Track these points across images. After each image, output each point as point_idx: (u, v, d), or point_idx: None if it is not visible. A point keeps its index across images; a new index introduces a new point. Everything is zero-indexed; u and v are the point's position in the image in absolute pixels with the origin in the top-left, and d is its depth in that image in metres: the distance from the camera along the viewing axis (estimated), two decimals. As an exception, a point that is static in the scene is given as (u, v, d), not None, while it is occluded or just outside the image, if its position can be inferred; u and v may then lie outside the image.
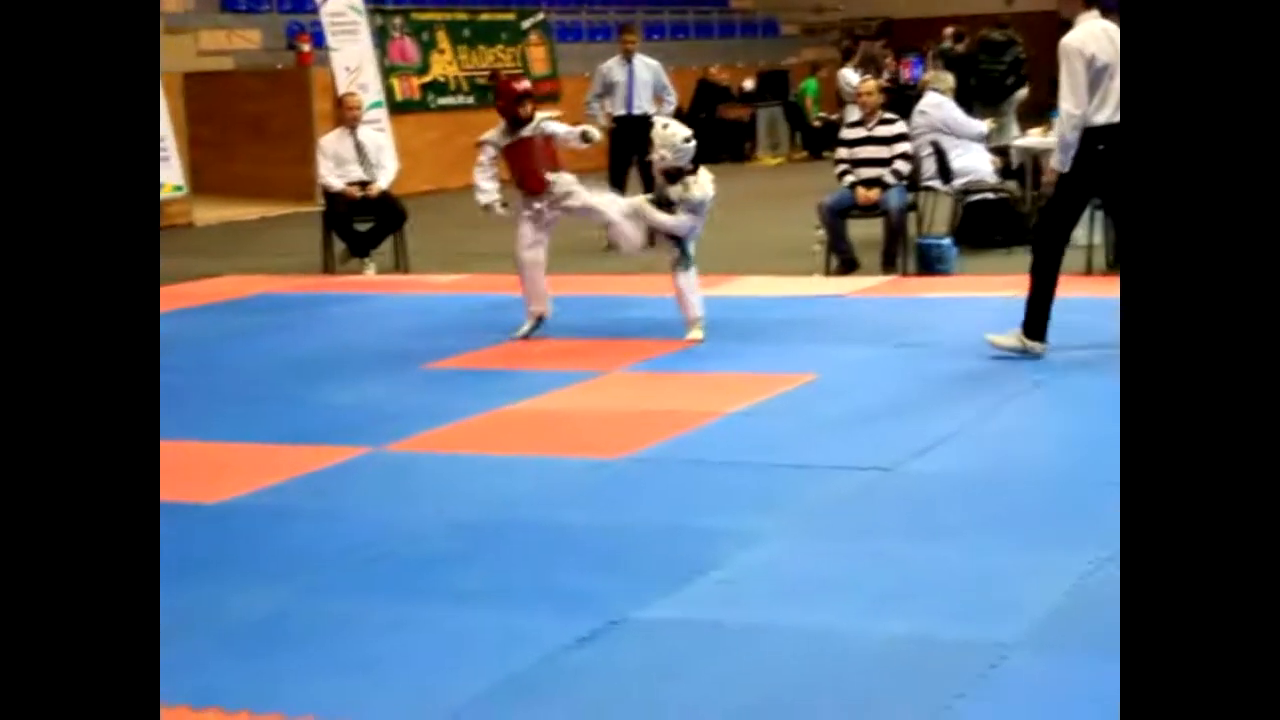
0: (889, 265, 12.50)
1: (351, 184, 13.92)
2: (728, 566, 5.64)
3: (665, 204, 10.34)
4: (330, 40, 20.47)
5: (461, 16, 23.61)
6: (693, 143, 10.46)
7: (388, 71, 21.77)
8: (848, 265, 12.57)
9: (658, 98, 15.66)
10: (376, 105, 20.41)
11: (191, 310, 12.14)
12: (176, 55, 20.21)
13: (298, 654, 4.99)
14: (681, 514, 6.34)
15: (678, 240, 10.29)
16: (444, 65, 23.06)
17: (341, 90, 18.19)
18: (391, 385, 9.12)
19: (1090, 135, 8.79)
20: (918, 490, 6.52)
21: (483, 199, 10.56)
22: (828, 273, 12.56)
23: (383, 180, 14.05)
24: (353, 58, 20.69)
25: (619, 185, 15.23)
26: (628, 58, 15.58)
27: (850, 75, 20.10)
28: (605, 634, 5.04)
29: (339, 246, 14.05)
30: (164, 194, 18.16)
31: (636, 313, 11.15)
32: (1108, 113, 8.78)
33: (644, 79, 15.55)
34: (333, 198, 13.96)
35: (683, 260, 10.27)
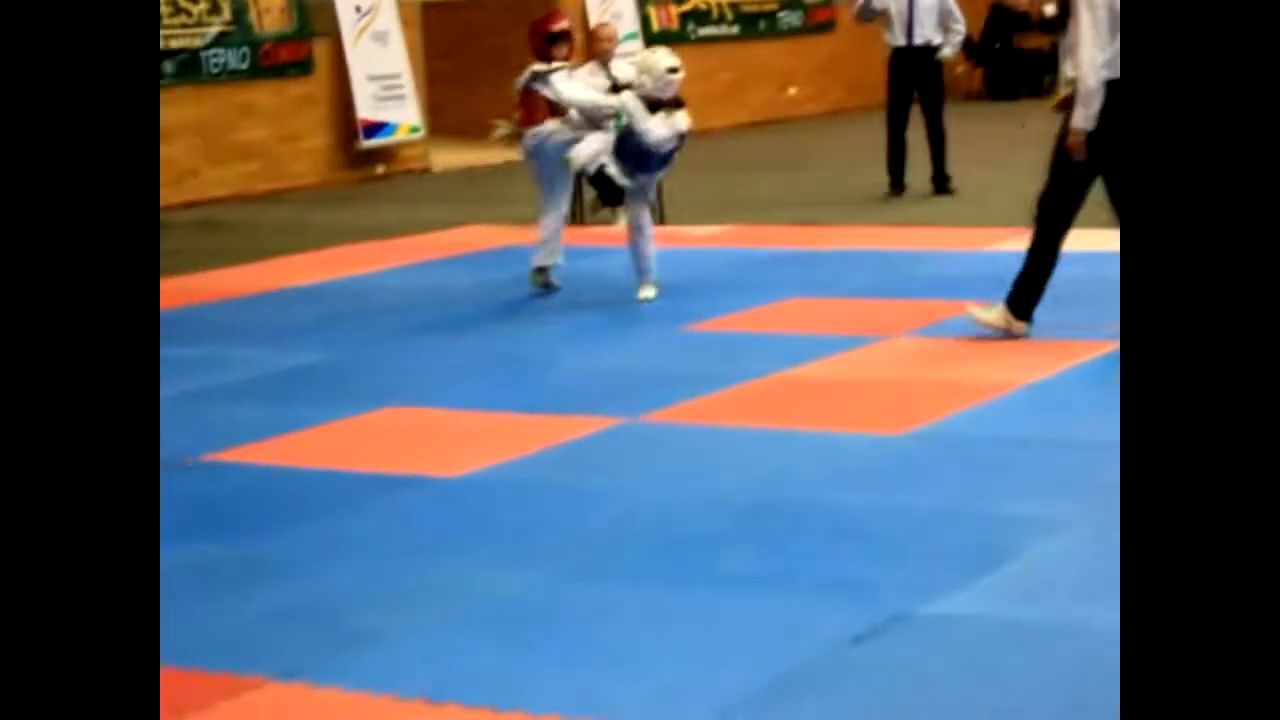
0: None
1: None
2: (1026, 557, 5.60)
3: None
4: (581, -35, 20.67)
5: (726, -64, 23.62)
6: (679, 74, 10.52)
7: (644, -1, 21.89)
8: None
9: (944, 25, 15.47)
10: (631, 36, 20.55)
11: (431, 264, 12.39)
12: (415, -17, 20.56)
13: (545, 644, 5.08)
14: (973, 498, 6.30)
15: (643, 175, 10.42)
16: (706, -9, 23.09)
17: (594, 19, 18.35)
18: (648, 349, 9.21)
19: (1110, 90, 8.36)
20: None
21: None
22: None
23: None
24: (606, -16, 20.86)
25: (900, 123, 15.10)
26: (912, -20, 15.40)
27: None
28: (888, 630, 5.04)
29: (590, 194, 14.18)
30: (400, 136, 18.53)
31: (925, 269, 11.08)
32: (1117, 65, 8.33)
33: (927, 4, 15.36)
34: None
35: (643, 202, 10.42)
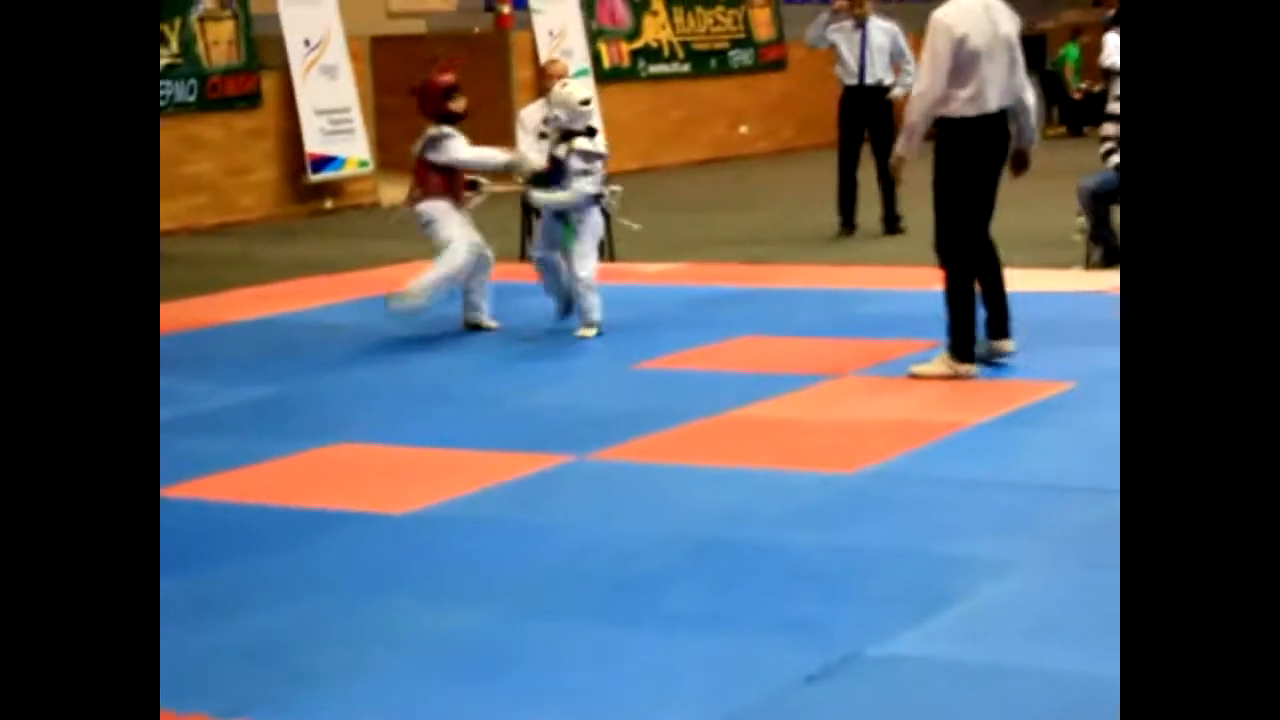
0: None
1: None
2: (974, 598, 5.62)
3: (557, 164, 10.63)
4: (532, 1, 20.72)
5: (677, -26, 23.72)
6: (591, 105, 10.77)
7: (595, 36, 21.96)
8: (1112, 257, 12.41)
9: (895, 65, 15.57)
10: (582, 73, 20.61)
11: (378, 299, 12.35)
12: (363, 17, 20.58)
13: (495, 682, 5.07)
14: (924, 538, 6.32)
15: (573, 221, 10.58)
16: (657, 29, 23.19)
17: (544, 56, 18.40)
18: (597, 386, 9.21)
19: (967, 127, 8.72)
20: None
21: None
22: (1089, 266, 12.40)
23: (588, 157, 14.14)
24: (557, 21, 20.93)
25: (850, 162, 15.17)
26: (861, 22, 15.51)
27: (1117, 41, 19.82)
28: (838, 670, 5.04)
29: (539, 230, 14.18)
30: (348, 170, 18.53)
31: (875, 308, 11.12)
32: (984, 101, 8.71)
33: (879, 43, 15.46)
34: (533, 177, 14.08)
35: (588, 246, 10.59)
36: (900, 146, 8.95)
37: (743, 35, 24.32)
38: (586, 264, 10.53)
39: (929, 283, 11.90)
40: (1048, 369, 9.04)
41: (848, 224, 15.21)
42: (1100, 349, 9.34)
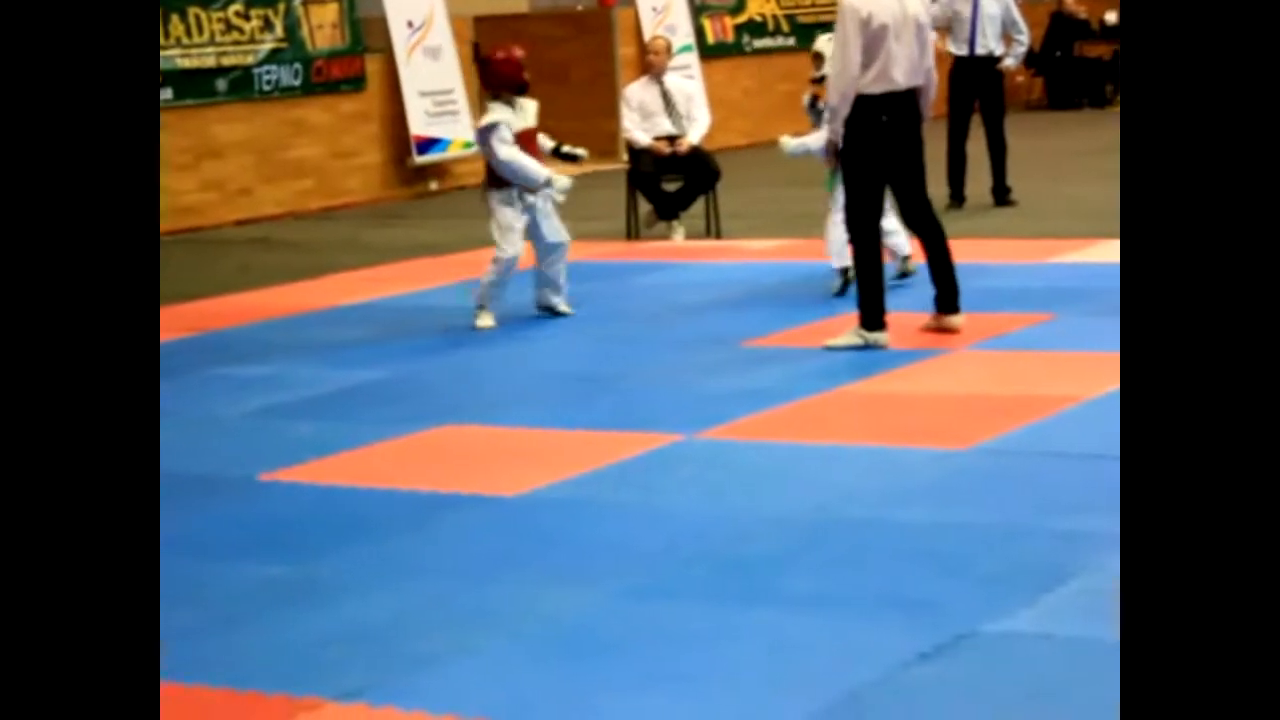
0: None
1: (659, 138, 14.06)
2: (1094, 574, 5.58)
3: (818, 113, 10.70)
4: (635, -23, 20.70)
5: (781, -53, 23.62)
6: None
7: (699, 10, 21.92)
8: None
9: (1007, 35, 15.45)
10: (686, 49, 20.59)
11: (485, 280, 12.41)
12: (466, -3, 20.65)
13: (607, 664, 5.09)
14: (1039, 513, 6.28)
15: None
16: (761, 3, 23.10)
17: (648, 33, 18.39)
18: (706, 365, 9.20)
19: (871, 104, 8.94)
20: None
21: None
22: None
23: (693, 134, 14.16)
24: (660, -4, 20.89)
25: (960, 134, 15.08)
26: (973, -11, 15.37)
27: None
28: (953, 649, 5.02)
29: (645, 208, 14.21)
30: (452, 152, 18.59)
31: (986, 282, 11.04)
32: (890, 79, 8.95)
33: (991, 13, 15.33)
34: (638, 154, 14.12)
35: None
36: (828, 132, 9.24)
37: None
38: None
39: (1041, 255, 11.85)
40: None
41: (957, 196, 15.11)
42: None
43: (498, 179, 10.66)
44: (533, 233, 10.73)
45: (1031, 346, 9.17)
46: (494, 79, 10.82)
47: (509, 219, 10.65)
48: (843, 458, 7.21)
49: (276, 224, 16.58)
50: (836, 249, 10.54)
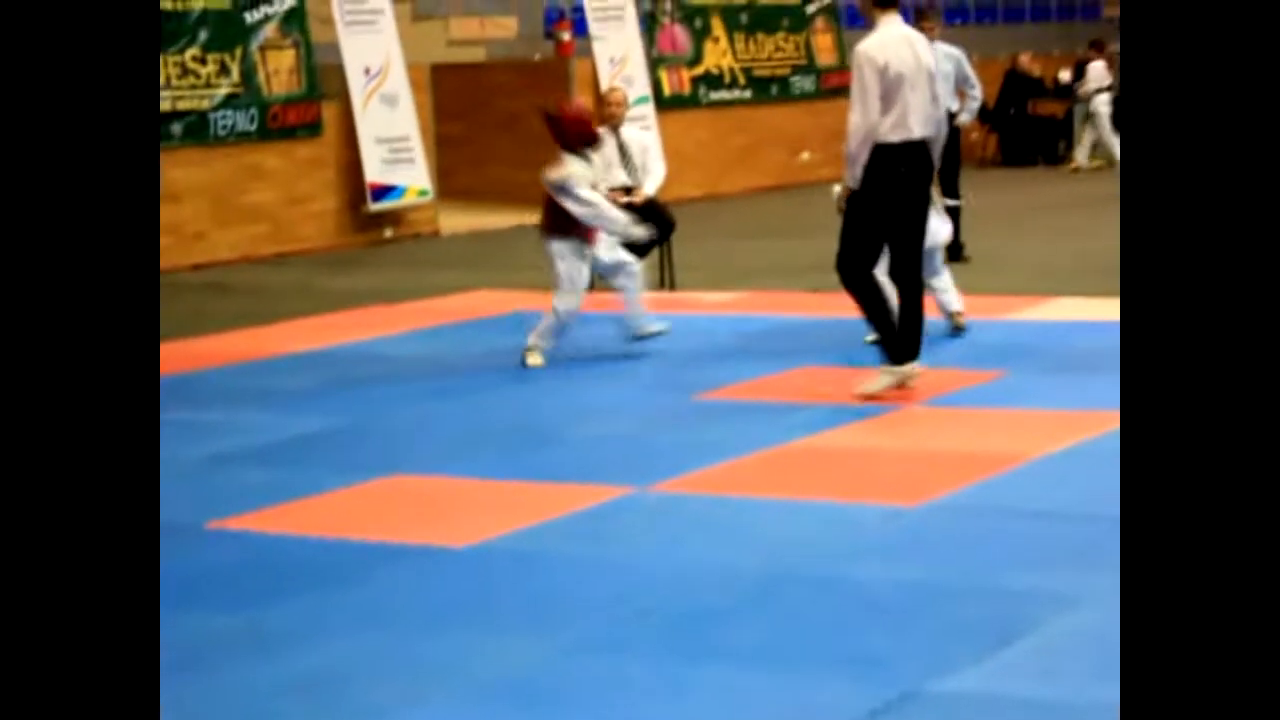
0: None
1: (614, 190, 14.06)
2: (1042, 634, 5.59)
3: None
4: (593, 28, 20.79)
5: (739, 1, 23.75)
6: None
7: (655, 63, 22.01)
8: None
9: (960, 91, 15.55)
10: (642, 101, 20.66)
11: (439, 329, 12.42)
12: (424, 45, 20.71)
13: (556, 717, 5.08)
14: (989, 572, 6.29)
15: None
16: (718, 56, 23.22)
17: (604, 84, 18.45)
18: (659, 417, 9.21)
19: (888, 153, 9.03)
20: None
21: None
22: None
23: (649, 185, 14.17)
24: (617, 48, 20.98)
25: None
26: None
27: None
28: (900, 707, 5.03)
29: (601, 260, 14.21)
30: (408, 199, 18.60)
31: (939, 337, 11.09)
32: (907, 128, 9.06)
33: (944, 70, 15.40)
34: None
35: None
36: (847, 178, 9.27)
37: (804, 61, 24.32)
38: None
39: (994, 311, 11.90)
40: (1114, 399, 8.98)
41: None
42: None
43: (561, 226, 10.74)
44: (595, 265, 10.89)
45: (983, 403, 9.20)
46: (566, 136, 10.97)
47: (569, 270, 10.76)
48: (794, 512, 7.22)
49: (231, 269, 16.54)
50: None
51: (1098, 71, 24.40)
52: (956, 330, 11.05)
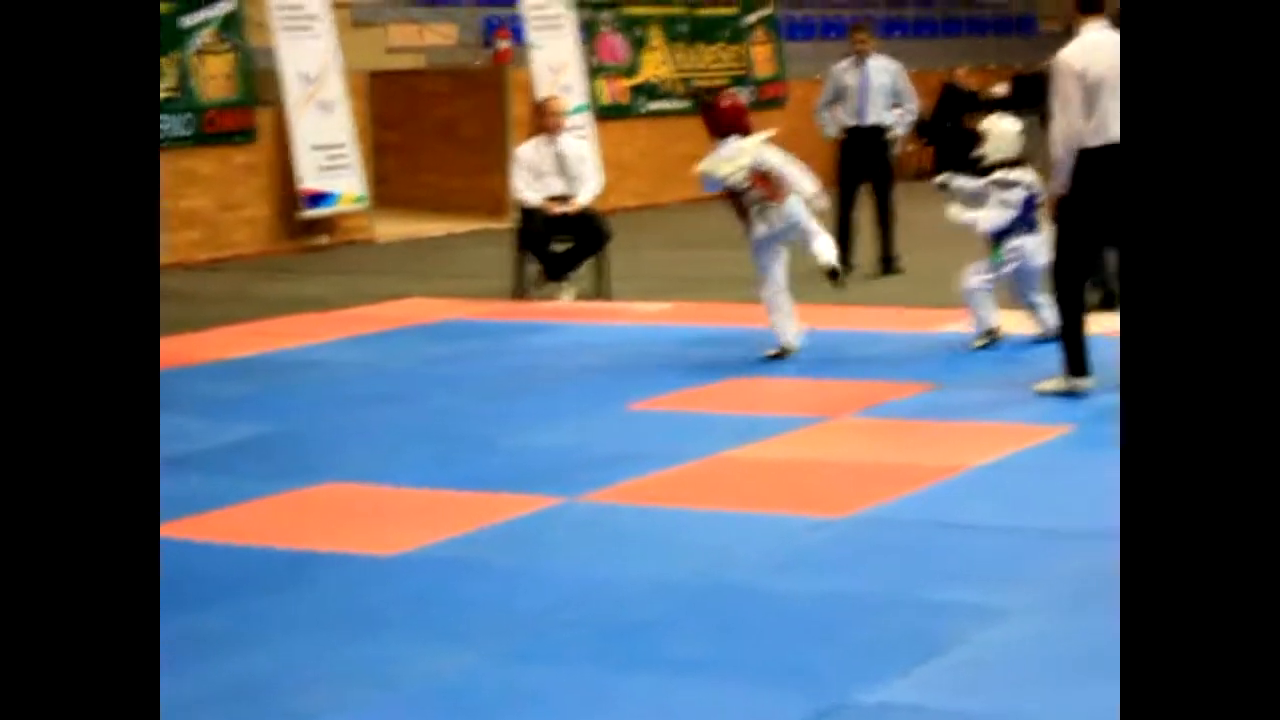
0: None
1: (550, 199, 14.10)
2: (968, 646, 5.63)
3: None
4: (531, 37, 20.78)
5: (678, 11, 23.80)
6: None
7: (594, 72, 22.03)
8: (1109, 301, 12.44)
9: (895, 105, 15.62)
10: (580, 110, 20.66)
11: (371, 337, 12.40)
12: (362, 52, 20.65)
13: (484, 727, 5.09)
14: (915, 583, 6.33)
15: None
16: (656, 65, 23.26)
17: (542, 93, 18.45)
18: (591, 427, 9.23)
19: (1091, 158, 9.07)
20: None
21: None
22: (1087, 309, 12.41)
23: (584, 195, 14.20)
24: (556, 57, 20.97)
25: (848, 202, 15.21)
26: (861, 59, 15.55)
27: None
28: (828, 718, 5.06)
29: (534, 268, 14.23)
30: (344, 206, 18.56)
31: (871, 350, 11.15)
32: (1107, 134, 9.07)
33: (880, 83, 15.51)
34: (528, 214, 14.15)
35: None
36: (1054, 185, 9.34)
37: (743, 72, 24.39)
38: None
39: (927, 324, 11.97)
40: (1046, 413, 9.06)
41: (845, 264, 15.22)
42: (1098, 392, 9.36)
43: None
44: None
45: (913, 415, 9.25)
46: (718, 124, 11.21)
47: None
48: (724, 523, 7.25)
49: (164, 274, 16.42)
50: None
51: None
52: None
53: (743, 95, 11.43)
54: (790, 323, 10.92)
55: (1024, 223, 10.98)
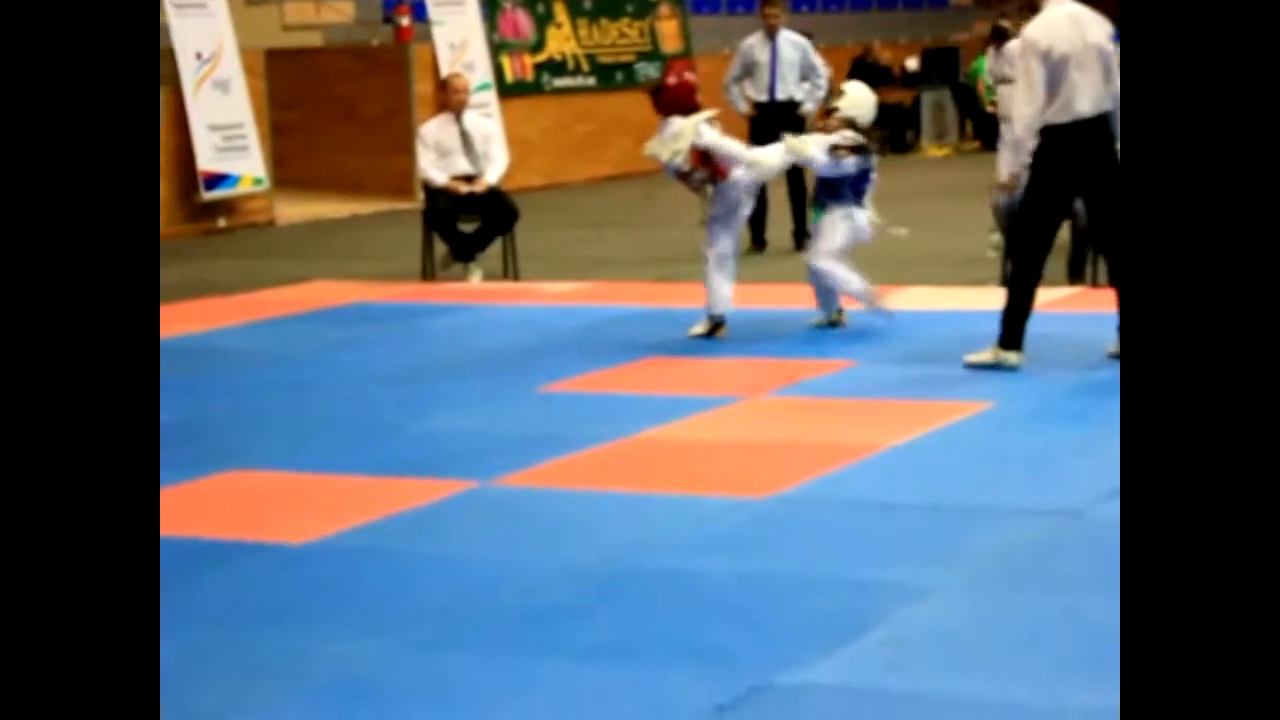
0: (1076, 275, 12.42)
1: (456, 178, 14.04)
2: (889, 625, 5.63)
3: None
4: (433, 13, 20.69)
5: (582, -14, 23.75)
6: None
7: (497, 49, 21.95)
8: (1079, 267, 12.51)
9: (805, 80, 15.64)
10: (484, 87, 20.60)
11: (273, 321, 12.30)
12: (259, 29, 20.51)
13: (395, 718, 5.03)
14: (836, 563, 6.33)
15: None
16: (561, 42, 23.20)
17: (445, 70, 18.36)
18: (502, 410, 9.18)
19: (1059, 133, 9.18)
20: (1110, 538, 6.45)
21: None
22: (1004, 283, 12.47)
23: (491, 174, 14.16)
24: (458, 33, 20.90)
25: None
26: (771, 34, 15.56)
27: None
28: (748, 701, 5.04)
29: (440, 249, 14.18)
30: (243, 188, 18.42)
31: (786, 327, 11.16)
32: (1073, 110, 9.18)
33: (790, 58, 15.53)
34: (434, 194, 14.09)
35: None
36: (1011, 164, 9.51)
37: (649, 48, 24.37)
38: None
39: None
40: (967, 389, 9.09)
41: (758, 241, 15.25)
42: (1022, 370, 9.40)
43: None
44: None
45: (831, 393, 9.26)
46: (662, 103, 11.11)
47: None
48: (639, 506, 7.22)
49: (56, 260, 16.29)
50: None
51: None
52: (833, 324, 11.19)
53: (690, 74, 11.23)
54: (727, 288, 10.85)
55: (854, 192, 11.00)
